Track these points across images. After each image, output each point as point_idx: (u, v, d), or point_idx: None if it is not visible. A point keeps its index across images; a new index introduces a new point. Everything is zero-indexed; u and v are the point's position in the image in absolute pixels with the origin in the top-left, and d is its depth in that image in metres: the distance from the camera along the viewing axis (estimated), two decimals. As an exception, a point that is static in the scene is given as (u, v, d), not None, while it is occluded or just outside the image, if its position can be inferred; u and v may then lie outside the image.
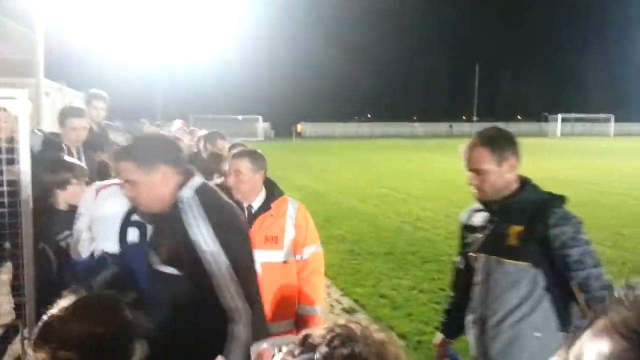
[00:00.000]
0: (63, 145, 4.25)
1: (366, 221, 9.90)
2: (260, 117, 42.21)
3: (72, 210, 2.93)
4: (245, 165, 2.96)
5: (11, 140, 3.25)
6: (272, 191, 3.08)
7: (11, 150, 3.13)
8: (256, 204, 3.01)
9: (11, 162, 3.08)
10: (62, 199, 3.13)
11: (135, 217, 2.65)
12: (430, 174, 17.43)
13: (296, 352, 0.84)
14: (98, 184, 2.85)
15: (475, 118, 64.53)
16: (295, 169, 18.75)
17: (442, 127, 55.72)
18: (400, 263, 7.15)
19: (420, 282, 6.36)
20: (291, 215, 3.01)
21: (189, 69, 64.83)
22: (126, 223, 2.63)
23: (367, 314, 5.43)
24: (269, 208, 2.99)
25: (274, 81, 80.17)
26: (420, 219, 10.03)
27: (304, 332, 0.86)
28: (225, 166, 4.15)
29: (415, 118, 63.20)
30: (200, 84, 68.06)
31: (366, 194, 13.21)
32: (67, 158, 3.48)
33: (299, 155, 26.51)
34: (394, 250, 7.79)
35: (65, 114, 4.39)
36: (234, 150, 3.67)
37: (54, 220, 3.07)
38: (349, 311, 5.51)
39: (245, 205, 2.99)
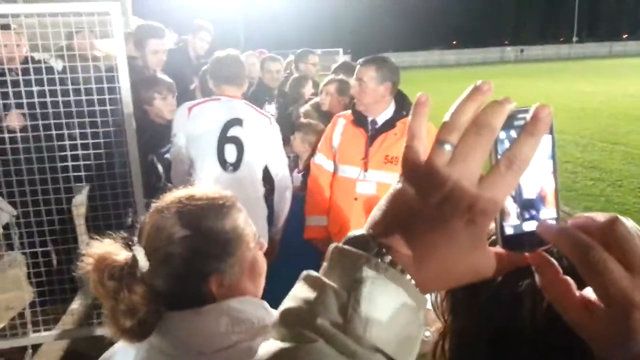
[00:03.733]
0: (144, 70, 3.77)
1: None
2: (340, 50, 38.76)
3: (169, 124, 3.02)
4: (369, 74, 2.69)
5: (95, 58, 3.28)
6: (402, 107, 2.77)
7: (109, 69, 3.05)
8: (380, 119, 2.75)
9: (111, 80, 2.94)
10: (153, 114, 3.16)
11: (231, 133, 2.77)
12: (531, 101, 18.83)
13: None
14: (189, 102, 2.89)
15: (575, 39, 60.39)
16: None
17: (535, 50, 51.25)
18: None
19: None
20: None
21: (267, 2, 59.53)
22: (223, 139, 2.78)
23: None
24: (393, 126, 2.70)
25: (354, 10, 73.64)
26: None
27: None
28: (309, 88, 4.40)
29: (506, 42, 61.07)
30: (279, 17, 62.39)
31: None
32: (152, 75, 3.37)
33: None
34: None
35: (145, 34, 3.76)
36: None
37: (154, 135, 3.12)
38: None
39: (369, 119, 2.76)
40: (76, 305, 3.67)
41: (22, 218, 3.19)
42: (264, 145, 2.89)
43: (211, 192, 1.06)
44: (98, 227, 3.30)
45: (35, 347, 3.30)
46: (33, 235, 3.17)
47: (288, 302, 0.43)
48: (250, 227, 1.08)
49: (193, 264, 0.98)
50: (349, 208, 2.80)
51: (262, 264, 1.10)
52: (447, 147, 0.41)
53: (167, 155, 3.05)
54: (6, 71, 3.04)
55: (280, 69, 4.76)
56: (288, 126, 3.63)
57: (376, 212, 0.44)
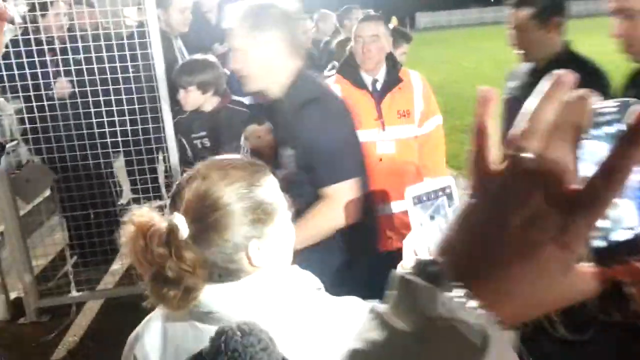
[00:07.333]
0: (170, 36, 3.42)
1: (494, 116, 9.87)
2: (372, 11, 36.42)
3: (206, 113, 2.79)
4: (381, 29, 2.64)
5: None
6: (394, 62, 2.74)
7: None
8: (381, 77, 2.68)
9: (144, 47, 2.97)
10: (184, 101, 2.80)
11: None
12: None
13: None
14: None
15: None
16: (406, 64, 15.50)
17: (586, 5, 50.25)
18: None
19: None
20: (418, 85, 2.71)
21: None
22: None
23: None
24: (399, 80, 2.67)
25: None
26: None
27: None
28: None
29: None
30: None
31: (491, 82, 12.35)
32: (206, 58, 2.85)
33: (410, 49, 23.04)
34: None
35: None
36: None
37: (189, 118, 2.89)
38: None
39: (370, 80, 2.68)
40: (117, 266, 3.84)
41: (62, 183, 3.34)
42: None
43: (246, 159, 1.05)
44: (136, 190, 3.48)
45: (80, 305, 3.45)
46: (73, 199, 3.31)
47: (355, 343, 0.38)
48: (282, 195, 1.06)
49: (238, 231, 0.97)
50: (374, 170, 2.63)
51: (292, 233, 1.09)
52: (529, 156, 0.35)
53: (196, 142, 2.86)
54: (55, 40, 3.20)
55: (310, 28, 4.45)
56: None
57: (448, 235, 0.39)
